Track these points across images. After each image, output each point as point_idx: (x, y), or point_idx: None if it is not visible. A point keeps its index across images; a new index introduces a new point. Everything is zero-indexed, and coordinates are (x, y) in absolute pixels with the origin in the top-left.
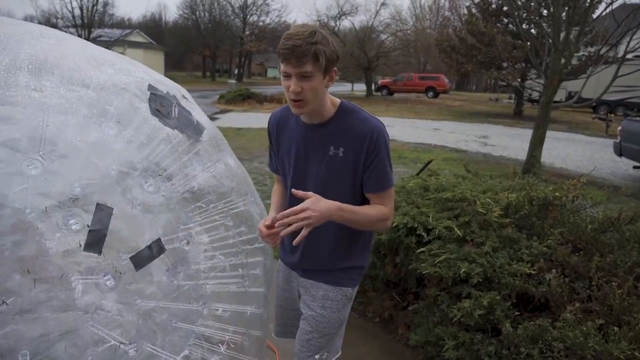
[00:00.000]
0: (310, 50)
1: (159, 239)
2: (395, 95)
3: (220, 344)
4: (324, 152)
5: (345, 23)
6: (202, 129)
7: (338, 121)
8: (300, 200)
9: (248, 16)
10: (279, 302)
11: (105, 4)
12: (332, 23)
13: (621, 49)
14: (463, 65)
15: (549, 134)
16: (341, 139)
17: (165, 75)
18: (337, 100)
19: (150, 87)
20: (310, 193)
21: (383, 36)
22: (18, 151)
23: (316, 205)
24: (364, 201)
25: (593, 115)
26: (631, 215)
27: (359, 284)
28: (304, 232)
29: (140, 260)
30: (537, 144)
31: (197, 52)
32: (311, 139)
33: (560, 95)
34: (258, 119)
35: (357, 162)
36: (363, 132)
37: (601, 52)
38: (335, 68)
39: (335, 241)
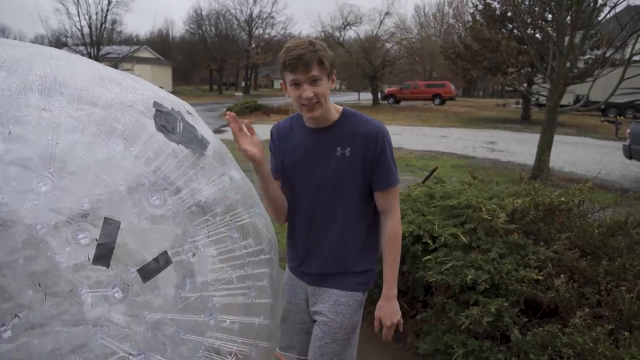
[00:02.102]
0: (315, 57)
1: (165, 252)
2: (402, 103)
3: (228, 355)
4: (331, 153)
5: (350, 33)
6: (207, 143)
7: (343, 124)
8: (302, 217)
9: (254, 29)
10: (285, 314)
11: (114, 22)
12: (337, 34)
13: (628, 52)
14: (469, 72)
15: (558, 138)
16: (347, 140)
17: (173, 89)
18: (340, 107)
19: (155, 103)
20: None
21: (388, 45)
22: (29, 169)
23: (387, 312)
24: (370, 199)
25: (602, 118)
26: (639, 219)
27: (368, 290)
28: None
29: (148, 272)
30: (545, 148)
31: (204, 66)
32: (318, 142)
33: (568, 99)
34: (265, 131)
35: (364, 161)
36: (369, 132)
37: (607, 55)
38: (334, 71)
39: (350, 243)
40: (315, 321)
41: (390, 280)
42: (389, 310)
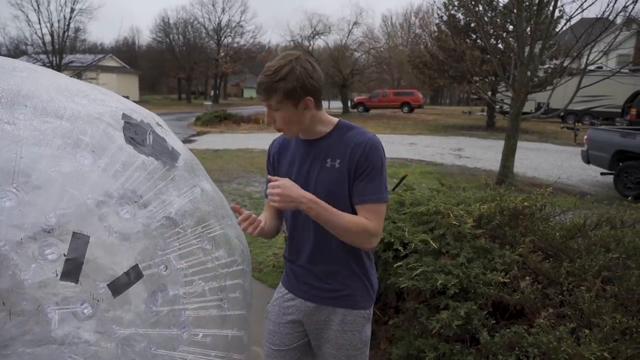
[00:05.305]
0: (272, 88)
1: (136, 265)
2: (372, 111)
3: None
4: (321, 165)
5: (319, 42)
6: (177, 155)
7: (335, 136)
8: (302, 230)
9: (222, 38)
10: (273, 337)
11: (77, 30)
12: (306, 43)
13: (584, 62)
14: (436, 80)
15: (521, 144)
16: (337, 151)
17: (140, 98)
18: (335, 120)
19: (124, 115)
20: (286, 180)
21: (357, 54)
22: None
23: (288, 188)
24: None
25: (561, 125)
26: (596, 221)
27: (373, 303)
28: None
29: (118, 287)
30: (509, 154)
31: (172, 75)
32: (309, 153)
33: (530, 107)
34: (235, 140)
35: (350, 171)
36: (357, 142)
37: (564, 65)
38: (308, 97)
39: (345, 258)
40: (309, 342)
41: (325, 204)
42: (294, 189)
